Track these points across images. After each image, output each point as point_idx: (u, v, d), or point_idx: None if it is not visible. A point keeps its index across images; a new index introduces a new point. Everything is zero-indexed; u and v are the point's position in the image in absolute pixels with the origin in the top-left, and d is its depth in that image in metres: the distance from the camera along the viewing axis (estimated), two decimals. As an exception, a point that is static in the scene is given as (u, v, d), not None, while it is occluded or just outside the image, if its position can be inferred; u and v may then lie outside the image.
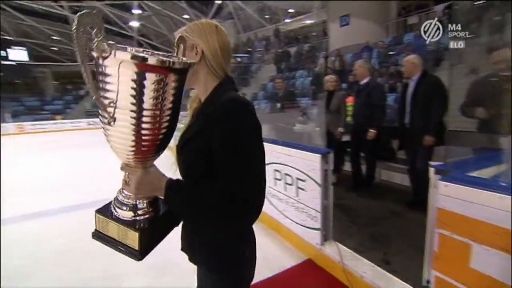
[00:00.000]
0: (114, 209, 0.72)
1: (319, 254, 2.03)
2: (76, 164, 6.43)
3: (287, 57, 12.23)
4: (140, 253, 0.69)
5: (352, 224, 2.57)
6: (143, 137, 0.61)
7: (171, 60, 0.58)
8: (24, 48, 19.59)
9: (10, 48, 18.85)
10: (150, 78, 0.57)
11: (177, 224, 0.81)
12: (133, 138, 0.61)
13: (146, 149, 0.64)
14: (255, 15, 16.42)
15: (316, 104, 6.50)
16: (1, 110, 16.88)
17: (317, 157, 1.91)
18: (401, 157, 3.23)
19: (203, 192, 0.65)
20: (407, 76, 2.87)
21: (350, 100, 3.54)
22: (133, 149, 0.63)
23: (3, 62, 17.92)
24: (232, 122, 0.66)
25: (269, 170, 2.57)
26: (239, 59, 16.59)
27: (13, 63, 19.40)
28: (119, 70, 0.55)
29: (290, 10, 14.90)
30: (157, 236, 0.74)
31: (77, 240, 2.48)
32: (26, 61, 19.77)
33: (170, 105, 0.63)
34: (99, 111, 0.60)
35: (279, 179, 2.42)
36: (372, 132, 3.06)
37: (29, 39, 19.59)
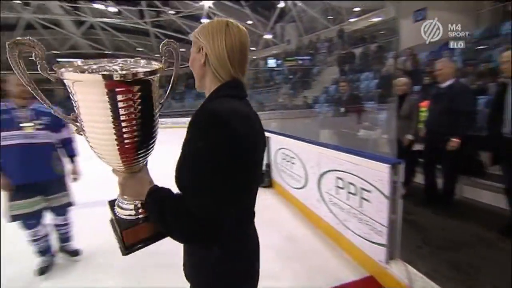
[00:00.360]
0: (116, 204, 0.77)
1: (383, 272, 1.86)
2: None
3: (352, 59, 11.59)
4: (125, 248, 0.72)
5: (424, 245, 2.28)
6: (109, 146, 0.62)
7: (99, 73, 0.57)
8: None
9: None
10: (88, 93, 0.56)
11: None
12: (101, 147, 0.63)
13: (119, 156, 0.64)
14: (318, 16, 16.05)
15: (384, 109, 6.00)
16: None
17: (385, 167, 1.76)
18: (494, 173, 2.72)
19: (171, 205, 0.63)
20: (507, 75, 2.39)
21: (424, 105, 3.15)
22: (107, 156, 0.65)
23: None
24: (196, 134, 0.62)
25: (330, 177, 2.48)
26: (300, 62, 16.49)
27: (108, 71, 23.26)
28: (72, 89, 0.58)
29: (356, 9, 14.09)
30: (145, 238, 0.74)
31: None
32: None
33: (127, 114, 0.60)
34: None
35: (342, 188, 2.31)
36: (455, 142, 2.65)
37: (121, 51, 23.18)
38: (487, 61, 6.66)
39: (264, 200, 3.72)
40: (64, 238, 2.31)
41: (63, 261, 2.32)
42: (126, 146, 0.64)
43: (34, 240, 2.09)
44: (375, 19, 13.94)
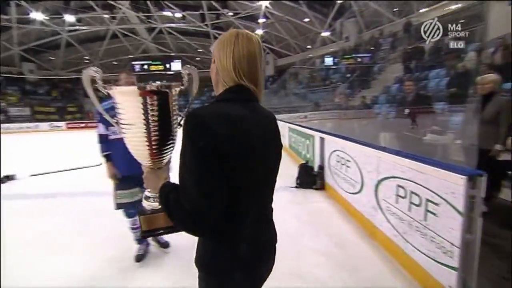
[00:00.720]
0: (151, 204, 0.90)
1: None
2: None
3: (420, 54, 10.39)
4: (141, 233, 0.90)
5: (510, 277, 1.92)
6: (138, 145, 0.82)
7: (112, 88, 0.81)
8: (179, 61, 25.42)
9: (172, 61, 24.98)
10: (126, 101, 0.79)
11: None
12: (134, 145, 0.83)
13: (146, 153, 0.82)
14: (382, 9, 14.82)
15: (457, 111, 5.23)
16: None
17: (460, 179, 1.53)
18: None
19: (172, 198, 0.72)
20: None
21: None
22: (137, 152, 0.84)
23: (167, 73, 24.08)
24: (183, 135, 0.69)
25: (389, 185, 2.28)
26: (359, 59, 15.49)
27: (172, 72, 25.54)
28: (116, 98, 0.81)
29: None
30: (160, 227, 0.89)
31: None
32: (179, 70, 25.64)
33: (153, 120, 0.79)
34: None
35: (403, 197, 2.10)
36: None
37: (184, 53, 25.20)
38: None
39: (315, 202, 3.62)
40: None
41: (157, 251, 2.44)
42: (152, 144, 0.82)
43: (133, 229, 2.26)
44: (453, 7, 12.20)
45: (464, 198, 1.51)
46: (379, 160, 2.44)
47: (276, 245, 0.91)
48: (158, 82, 0.85)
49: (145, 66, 25.20)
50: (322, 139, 4.16)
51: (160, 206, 0.83)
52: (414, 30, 12.73)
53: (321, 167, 4.19)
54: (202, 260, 0.80)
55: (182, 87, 0.87)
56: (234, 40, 0.74)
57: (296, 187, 4.30)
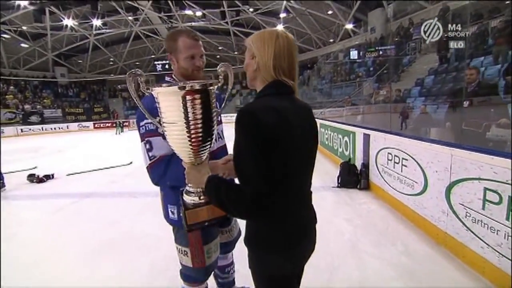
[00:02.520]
0: (191, 198, 0.93)
1: None
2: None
3: (461, 41, 9.55)
4: (187, 226, 0.93)
5: None
6: (181, 142, 0.84)
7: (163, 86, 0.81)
8: (200, 59, 25.66)
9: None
10: (168, 100, 0.81)
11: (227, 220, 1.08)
12: (176, 143, 0.86)
13: (188, 149, 0.85)
14: (412, -4, 13.93)
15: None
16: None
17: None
18: None
19: (225, 187, 0.80)
20: None
21: None
22: (179, 149, 0.87)
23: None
24: (236, 128, 0.76)
25: (470, 187, 1.95)
26: (381, 52, 14.66)
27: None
28: (158, 99, 0.82)
29: (467, -19, 11.55)
30: (204, 220, 0.93)
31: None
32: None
33: (194, 117, 0.80)
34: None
35: (495, 203, 1.77)
36: None
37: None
38: None
39: (364, 204, 3.33)
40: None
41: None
42: (192, 141, 0.83)
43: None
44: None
45: None
46: (454, 159, 2.12)
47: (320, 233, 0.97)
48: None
49: (166, 66, 25.64)
50: (366, 136, 3.84)
51: (203, 200, 0.90)
52: (450, 15, 11.83)
53: (365, 166, 3.88)
54: (253, 238, 0.86)
55: (219, 84, 0.88)
56: (274, 40, 0.80)
57: (338, 186, 4.02)
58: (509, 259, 1.69)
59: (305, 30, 20.63)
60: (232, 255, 1.60)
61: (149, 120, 1.05)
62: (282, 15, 18.75)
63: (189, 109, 0.79)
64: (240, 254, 1.39)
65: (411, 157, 2.71)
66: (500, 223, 1.74)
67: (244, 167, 0.76)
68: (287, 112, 0.79)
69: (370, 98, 8.98)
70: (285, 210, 0.84)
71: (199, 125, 0.81)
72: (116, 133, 16.64)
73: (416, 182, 2.65)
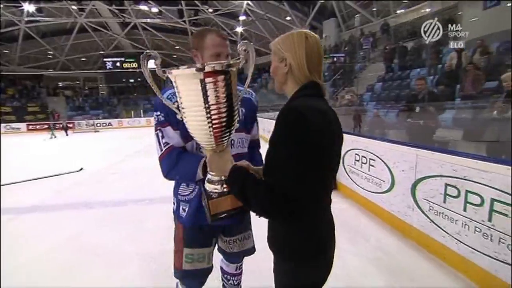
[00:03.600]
0: (213, 187, 0.90)
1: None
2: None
3: (402, 54, 10.80)
4: (210, 216, 0.88)
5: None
6: (202, 127, 0.80)
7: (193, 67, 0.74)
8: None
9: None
10: (186, 83, 0.77)
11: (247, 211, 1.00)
12: (196, 129, 0.82)
13: (208, 135, 0.81)
14: (361, 10, 15.26)
15: (451, 107, 5.43)
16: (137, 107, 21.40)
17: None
18: None
19: (251, 181, 0.78)
20: None
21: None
22: (199, 136, 0.83)
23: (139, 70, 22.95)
24: (281, 127, 0.74)
25: (433, 183, 2.19)
26: (335, 59, 15.81)
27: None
28: (175, 82, 0.78)
29: (405, 0, 13.13)
30: (228, 209, 0.89)
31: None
32: (154, 68, 24.57)
33: (215, 101, 0.76)
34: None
35: (454, 196, 2.02)
36: None
37: (160, 50, 24.10)
38: None
39: (334, 203, 3.44)
40: None
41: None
42: (214, 126, 0.79)
43: None
44: (428, 9, 12.87)
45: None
46: (419, 158, 2.36)
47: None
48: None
49: (118, 64, 23.77)
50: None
51: (226, 189, 0.87)
52: (392, 30, 13.28)
53: (332, 166, 4.09)
54: (285, 246, 0.83)
55: (239, 65, 0.82)
56: (304, 40, 0.80)
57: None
58: (466, 244, 1.93)
59: (263, 34, 21.05)
60: (240, 267, 1.51)
61: (158, 112, 1.07)
62: (242, 17, 18.87)
63: (209, 92, 0.75)
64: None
65: (379, 157, 2.94)
66: (457, 213, 1.99)
67: (280, 164, 0.74)
68: (329, 115, 0.79)
69: (335, 102, 9.50)
70: (318, 215, 0.84)
71: (220, 109, 0.78)
72: (50, 137, 14.48)
73: (383, 180, 2.88)
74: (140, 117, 21.47)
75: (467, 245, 1.95)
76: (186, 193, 1.17)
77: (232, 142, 1.17)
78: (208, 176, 0.91)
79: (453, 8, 11.10)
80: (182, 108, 0.81)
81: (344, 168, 3.76)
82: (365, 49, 13.65)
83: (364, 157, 3.23)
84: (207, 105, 0.76)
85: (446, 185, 2.08)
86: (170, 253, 1.29)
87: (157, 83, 0.84)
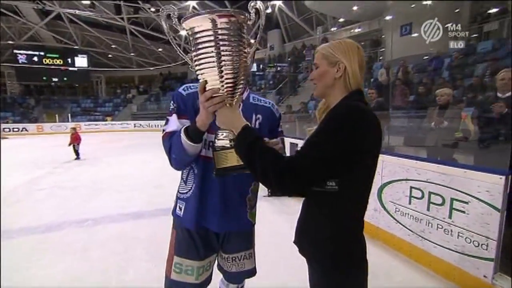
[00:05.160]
0: (219, 142, 0.90)
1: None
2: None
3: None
4: (215, 170, 0.89)
5: None
6: (211, 79, 0.80)
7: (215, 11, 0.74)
8: (85, 56, 21.58)
9: (76, 56, 20.94)
10: (198, 28, 0.75)
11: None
12: (209, 75, 0.80)
13: (220, 83, 0.80)
14: (302, 24, 16.44)
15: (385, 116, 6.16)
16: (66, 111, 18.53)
17: (499, 179, 1.72)
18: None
19: (260, 146, 0.77)
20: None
21: (465, 117, 3.22)
22: (212, 82, 0.80)
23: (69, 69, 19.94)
24: (335, 121, 0.76)
25: (398, 187, 2.40)
26: (278, 68, 16.67)
27: (75, 69, 21.41)
28: (191, 30, 0.77)
29: (341, 20, 14.67)
30: (233, 166, 0.88)
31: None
32: (85, 67, 21.76)
33: (224, 48, 0.76)
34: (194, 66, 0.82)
35: (418, 198, 2.24)
36: None
37: (92, 47, 21.47)
38: (470, 75, 7.29)
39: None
40: None
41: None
42: (224, 74, 0.79)
43: None
44: (357, 30, 14.66)
45: (504, 196, 1.69)
46: (384, 164, 2.56)
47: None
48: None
49: (35, 58, 20.30)
50: (293, 145, 4.16)
51: (230, 144, 0.86)
52: (330, 46, 14.60)
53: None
54: (333, 255, 0.82)
55: (249, 21, 0.81)
56: (356, 50, 0.85)
57: (268, 195, 4.14)
58: (430, 240, 2.16)
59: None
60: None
61: (172, 103, 1.07)
62: (187, 20, 18.26)
63: (220, 37, 0.75)
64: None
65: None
66: (421, 212, 2.21)
67: (312, 148, 0.75)
68: (378, 121, 0.82)
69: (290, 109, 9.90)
70: (362, 225, 0.88)
71: (231, 57, 0.77)
72: None
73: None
74: (68, 121, 18.59)
75: (430, 241, 2.17)
76: (184, 191, 1.15)
77: None
78: (217, 133, 0.91)
79: (378, 31, 12.93)
80: (195, 59, 0.80)
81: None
82: (307, 60, 14.69)
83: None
84: (217, 51, 0.76)
85: (411, 188, 2.30)
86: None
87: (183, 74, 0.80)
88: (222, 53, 0.77)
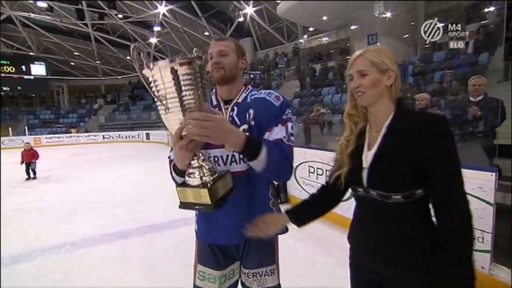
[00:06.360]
0: (187, 179, 0.89)
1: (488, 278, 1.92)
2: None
3: (312, 74, 12.41)
4: (213, 206, 0.85)
5: None
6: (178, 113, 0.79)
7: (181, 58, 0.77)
8: (42, 63, 19.96)
9: (32, 63, 19.26)
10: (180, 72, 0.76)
11: (233, 190, 0.95)
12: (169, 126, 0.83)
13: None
14: (273, 32, 16.84)
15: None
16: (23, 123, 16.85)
17: (490, 175, 1.85)
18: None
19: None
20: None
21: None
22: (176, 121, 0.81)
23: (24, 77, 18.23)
24: (445, 138, 0.77)
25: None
26: (252, 76, 16.87)
27: (31, 77, 19.69)
28: (161, 74, 0.77)
29: (311, 29, 15.29)
30: (223, 192, 0.91)
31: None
32: (43, 75, 20.11)
33: (190, 91, 0.78)
34: (158, 105, 0.81)
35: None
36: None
37: (50, 54, 19.93)
38: (431, 81, 7.98)
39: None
40: None
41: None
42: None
43: None
44: (325, 39, 15.38)
45: (495, 190, 1.82)
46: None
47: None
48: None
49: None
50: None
51: (202, 183, 0.85)
52: (302, 53, 15.19)
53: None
54: (417, 260, 0.81)
55: (201, 61, 0.80)
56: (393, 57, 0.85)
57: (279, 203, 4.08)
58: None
59: (179, 47, 20.44)
60: None
61: None
62: (156, 28, 17.81)
63: (182, 83, 0.77)
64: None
65: (335, 168, 3.16)
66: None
67: (448, 174, 0.77)
68: None
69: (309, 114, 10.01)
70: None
71: (192, 96, 0.78)
72: None
73: (341, 189, 3.10)
74: (24, 135, 16.89)
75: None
76: None
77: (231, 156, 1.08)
78: (190, 170, 0.89)
79: (345, 40, 13.69)
80: (166, 99, 0.81)
81: (297, 181, 3.89)
82: (280, 68, 15.02)
83: (320, 168, 3.43)
84: (179, 98, 0.78)
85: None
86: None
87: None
88: (184, 98, 0.78)
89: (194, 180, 0.87)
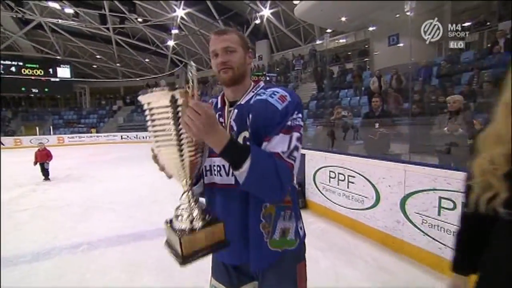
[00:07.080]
0: (172, 219, 0.82)
1: None
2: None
3: (330, 76, 12.14)
4: (182, 259, 0.74)
5: None
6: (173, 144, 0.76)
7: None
8: (67, 66, 20.88)
9: (59, 66, 20.21)
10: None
11: (226, 246, 0.81)
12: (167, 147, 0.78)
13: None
14: (290, 34, 16.68)
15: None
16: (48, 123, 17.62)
17: None
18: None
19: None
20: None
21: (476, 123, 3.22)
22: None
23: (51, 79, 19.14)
24: None
25: (425, 197, 2.29)
26: (268, 78, 16.76)
27: (57, 79, 20.64)
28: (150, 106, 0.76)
29: (328, 31, 15.00)
30: (200, 249, 0.78)
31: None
32: (68, 78, 21.03)
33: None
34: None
35: (450, 209, 2.13)
36: None
37: (75, 58, 20.82)
38: (458, 83, 7.54)
39: (311, 224, 3.36)
40: None
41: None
42: (186, 152, 0.76)
43: None
44: (342, 40, 15.02)
45: None
46: (407, 174, 2.45)
47: None
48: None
49: (13, 69, 19.43)
50: (302, 156, 4.02)
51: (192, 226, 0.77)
52: (319, 55, 14.91)
53: (301, 185, 4.03)
54: None
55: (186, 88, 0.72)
56: None
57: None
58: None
59: (196, 49, 20.69)
60: None
61: None
62: (174, 31, 18.13)
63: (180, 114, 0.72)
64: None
65: (359, 174, 2.98)
66: (453, 224, 2.10)
67: None
68: None
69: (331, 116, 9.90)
70: None
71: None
72: None
73: (366, 197, 2.91)
74: (49, 134, 17.68)
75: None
76: None
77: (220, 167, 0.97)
78: (176, 212, 0.82)
79: (364, 41, 13.31)
80: (153, 132, 0.79)
81: (316, 186, 3.73)
82: (297, 70, 14.83)
83: (342, 174, 3.25)
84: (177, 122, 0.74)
85: (440, 198, 2.19)
86: None
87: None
88: (181, 131, 0.72)
89: (186, 224, 0.79)
